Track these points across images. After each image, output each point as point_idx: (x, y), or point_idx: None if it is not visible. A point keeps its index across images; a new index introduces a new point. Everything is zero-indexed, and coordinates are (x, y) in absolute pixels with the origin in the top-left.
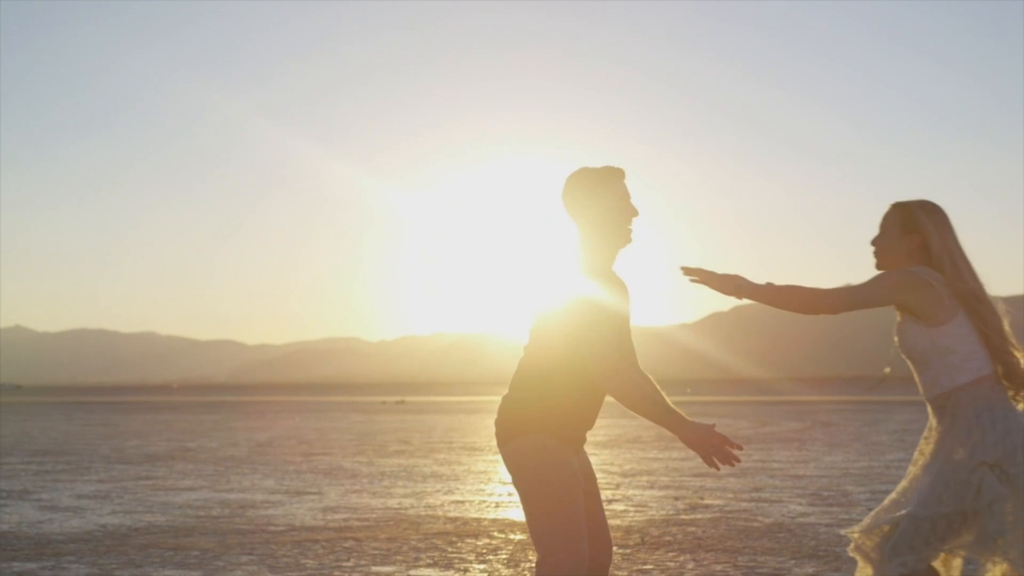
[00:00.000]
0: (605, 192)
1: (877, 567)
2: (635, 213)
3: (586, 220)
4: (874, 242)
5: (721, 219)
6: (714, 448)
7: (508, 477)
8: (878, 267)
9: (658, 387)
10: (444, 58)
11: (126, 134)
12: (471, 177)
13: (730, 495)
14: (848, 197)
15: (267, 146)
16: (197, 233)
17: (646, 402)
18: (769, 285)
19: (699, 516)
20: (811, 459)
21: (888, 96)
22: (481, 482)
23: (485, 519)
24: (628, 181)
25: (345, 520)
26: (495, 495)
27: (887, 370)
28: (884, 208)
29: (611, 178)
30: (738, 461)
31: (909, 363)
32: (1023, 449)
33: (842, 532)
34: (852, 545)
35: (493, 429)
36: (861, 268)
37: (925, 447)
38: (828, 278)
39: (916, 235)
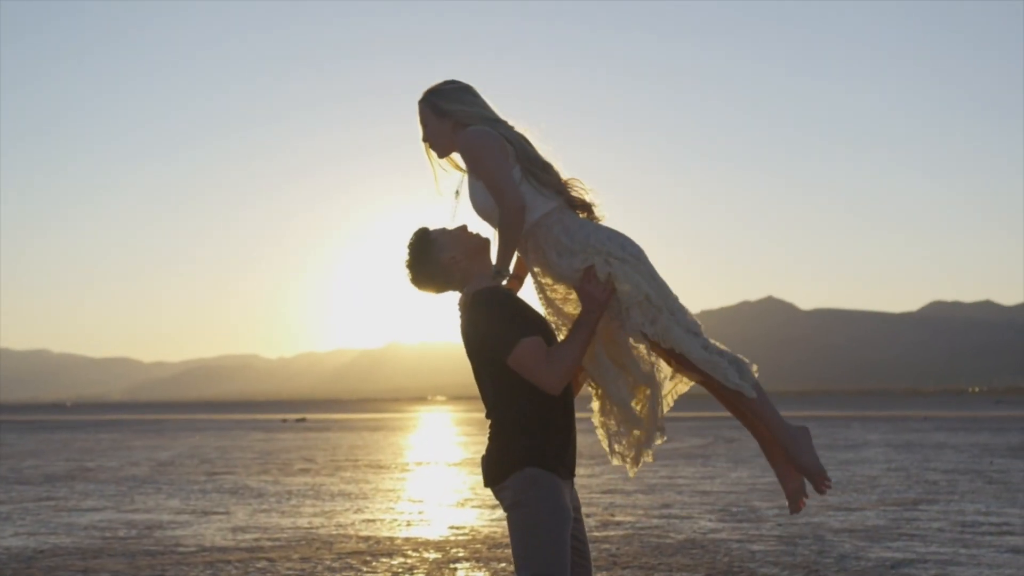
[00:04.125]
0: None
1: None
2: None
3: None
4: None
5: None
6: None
7: (421, 496)
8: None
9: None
10: (340, 68)
11: (15, 148)
12: (365, 196)
13: (640, 511)
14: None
15: (162, 164)
16: (91, 249)
17: (580, 345)
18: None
19: (611, 533)
20: (717, 475)
21: (877, 100)
22: (390, 500)
23: (398, 538)
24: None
25: (256, 540)
26: (406, 513)
27: None
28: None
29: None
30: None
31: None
32: (616, 238)
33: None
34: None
35: (480, 472)
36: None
37: None
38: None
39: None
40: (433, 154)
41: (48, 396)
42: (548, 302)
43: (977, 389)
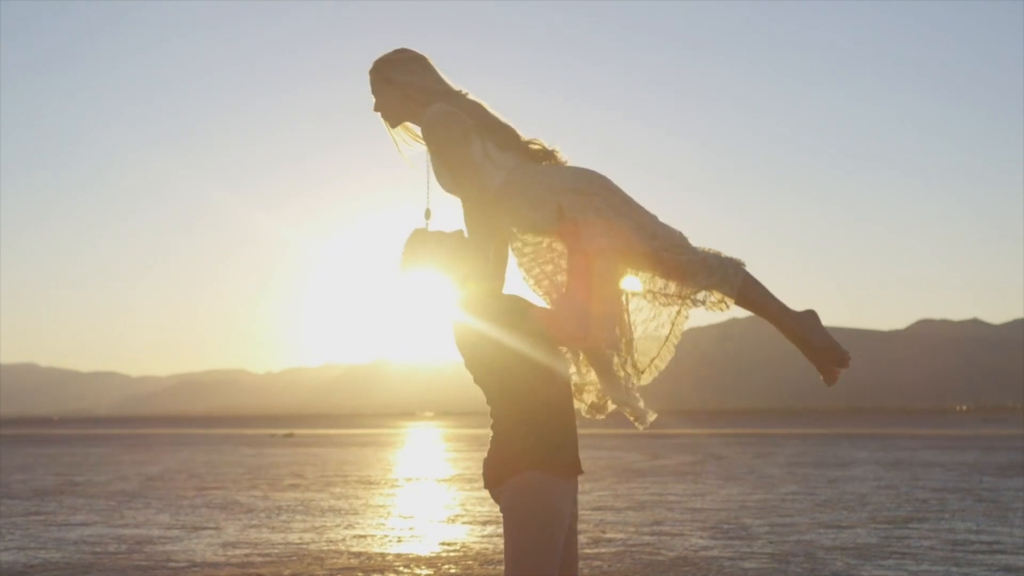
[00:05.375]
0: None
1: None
2: None
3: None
4: None
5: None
6: None
7: (412, 512)
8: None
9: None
10: (331, 87)
11: (3, 162)
12: (358, 207)
13: (631, 528)
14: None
15: (151, 179)
16: (79, 262)
17: (581, 286)
18: None
19: (603, 550)
20: (707, 492)
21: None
22: (381, 516)
23: (389, 554)
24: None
25: (247, 555)
26: (396, 529)
27: None
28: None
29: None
30: None
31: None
32: (581, 173)
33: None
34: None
35: (481, 471)
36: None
37: None
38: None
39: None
40: (393, 126)
41: (36, 410)
42: (530, 259)
43: (965, 408)
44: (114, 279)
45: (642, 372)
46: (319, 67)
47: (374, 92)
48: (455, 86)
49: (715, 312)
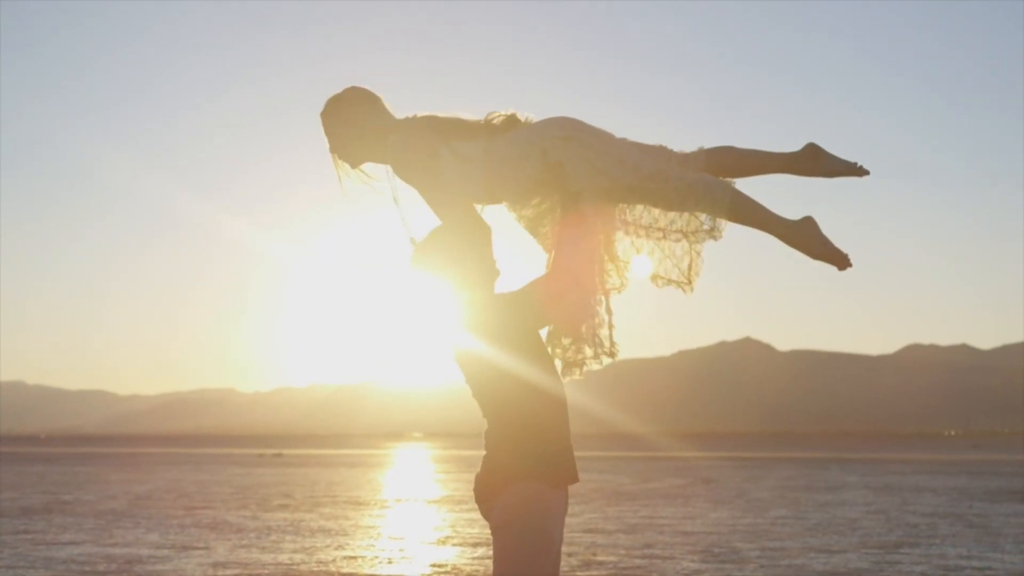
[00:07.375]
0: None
1: None
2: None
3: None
4: None
5: None
6: None
7: (402, 533)
8: None
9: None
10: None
11: None
12: (347, 227)
13: (622, 551)
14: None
15: (141, 195)
16: (68, 280)
17: (573, 247)
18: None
19: (593, 573)
20: (697, 515)
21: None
22: (371, 537)
23: (379, 575)
24: None
25: None
26: (386, 551)
27: None
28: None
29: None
30: None
31: None
32: (552, 120)
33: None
34: None
35: (473, 486)
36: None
37: None
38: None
39: None
40: (345, 165)
41: (23, 428)
42: (534, 222)
43: (954, 432)
44: (103, 297)
45: (687, 283)
46: (287, 61)
47: (327, 134)
48: (404, 115)
49: (709, 242)
